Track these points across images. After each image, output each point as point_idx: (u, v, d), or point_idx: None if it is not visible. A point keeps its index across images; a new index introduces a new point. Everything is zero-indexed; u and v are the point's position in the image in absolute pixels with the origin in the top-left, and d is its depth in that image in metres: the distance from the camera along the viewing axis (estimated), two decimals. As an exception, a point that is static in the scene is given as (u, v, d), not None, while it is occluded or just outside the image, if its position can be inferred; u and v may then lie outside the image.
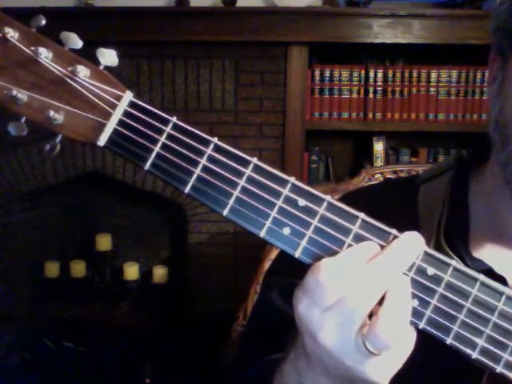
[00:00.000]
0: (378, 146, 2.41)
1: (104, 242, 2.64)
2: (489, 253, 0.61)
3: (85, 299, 2.62)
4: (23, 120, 0.44)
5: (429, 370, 0.58)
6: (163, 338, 2.46)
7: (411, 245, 0.45)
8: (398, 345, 0.44)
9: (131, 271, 2.64)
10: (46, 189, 2.48)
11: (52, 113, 0.43)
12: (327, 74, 2.35)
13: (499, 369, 0.45)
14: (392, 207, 0.62)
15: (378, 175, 1.21)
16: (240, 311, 1.19)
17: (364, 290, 0.43)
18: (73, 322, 2.50)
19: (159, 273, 2.65)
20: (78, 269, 2.65)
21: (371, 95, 2.35)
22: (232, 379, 0.77)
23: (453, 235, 0.60)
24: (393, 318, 0.43)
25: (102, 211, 2.74)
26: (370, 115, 2.36)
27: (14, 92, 0.43)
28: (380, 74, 2.34)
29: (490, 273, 0.54)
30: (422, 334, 0.46)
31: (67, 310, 2.58)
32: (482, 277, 0.45)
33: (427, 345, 0.46)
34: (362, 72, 2.35)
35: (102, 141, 0.45)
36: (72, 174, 2.44)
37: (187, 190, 0.45)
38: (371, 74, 2.34)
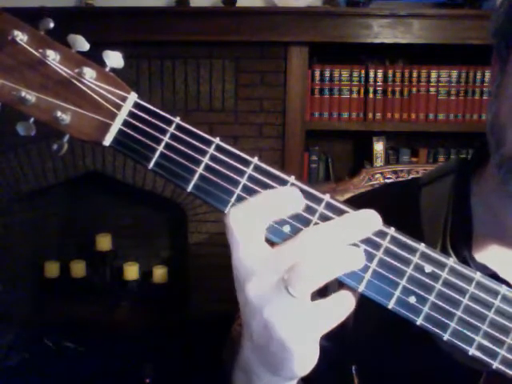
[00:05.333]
0: (378, 146, 2.42)
1: (104, 242, 2.64)
2: (491, 256, 0.61)
3: (85, 299, 2.63)
4: (32, 120, 0.45)
5: (425, 374, 0.59)
6: (163, 338, 2.46)
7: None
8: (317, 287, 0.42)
9: (131, 271, 2.65)
10: (46, 189, 2.49)
11: (59, 113, 0.44)
12: (327, 73, 2.35)
13: (496, 365, 0.46)
14: (393, 209, 0.62)
15: (378, 175, 1.21)
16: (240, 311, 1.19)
17: (265, 217, 0.44)
18: (73, 322, 2.50)
19: (159, 273, 2.66)
20: (78, 269, 2.66)
21: (371, 95, 2.36)
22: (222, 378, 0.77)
23: (457, 239, 0.60)
24: (315, 258, 0.42)
25: (102, 211, 2.74)
26: (370, 115, 2.37)
27: (23, 93, 0.43)
28: (380, 74, 2.35)
29: (494, 278, 0.54)
30: (416, 336, 0.46)
31: (67, 310, 2.59)
32: (478, 274, 0.46)
33: (423, 348, 0.46)
34: (362, 72, 2.35)
35: (108, 141, 0.46)
36: (72, 173, 2.44)
37: (190, 188, 0.46)
38: (371, 74, 2.35)
